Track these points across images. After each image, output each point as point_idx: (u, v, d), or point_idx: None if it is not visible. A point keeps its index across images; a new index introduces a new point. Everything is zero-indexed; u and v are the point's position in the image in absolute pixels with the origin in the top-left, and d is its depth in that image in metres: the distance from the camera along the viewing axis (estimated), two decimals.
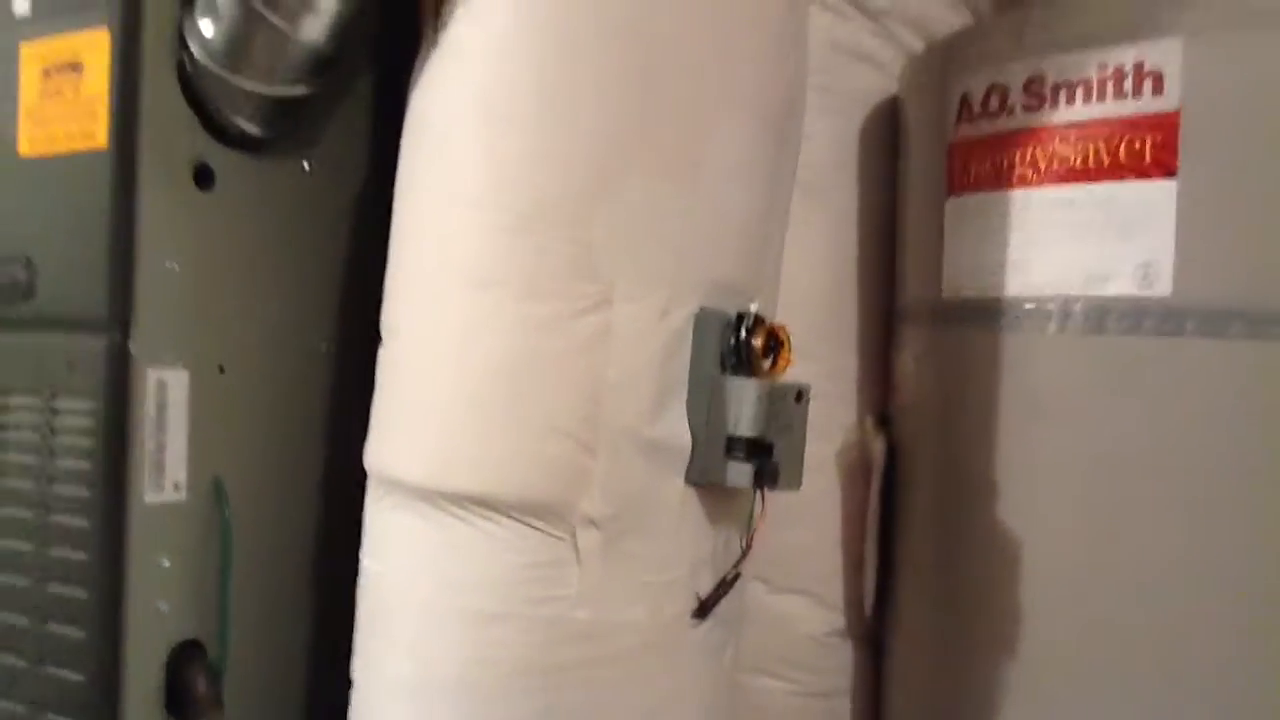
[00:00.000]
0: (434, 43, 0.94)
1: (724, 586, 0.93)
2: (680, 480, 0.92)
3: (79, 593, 0.98)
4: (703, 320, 0.92)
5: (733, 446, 0.90)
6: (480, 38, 0.90)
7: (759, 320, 0.92)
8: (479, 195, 0.89)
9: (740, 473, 0.90)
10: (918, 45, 1.21)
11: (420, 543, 0.91)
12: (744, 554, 0.94)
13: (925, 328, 1.15)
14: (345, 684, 1.04)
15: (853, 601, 1.21)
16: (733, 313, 0.93)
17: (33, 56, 1.03)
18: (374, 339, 1.13)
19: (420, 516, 0.91)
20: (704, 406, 0.91)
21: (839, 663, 1.22)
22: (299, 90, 1.03)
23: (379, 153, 1.17)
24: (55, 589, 1.00)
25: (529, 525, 0.87)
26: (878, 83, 1.21)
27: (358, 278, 1.18)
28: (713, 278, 0.93)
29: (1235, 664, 0.94)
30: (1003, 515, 1.03)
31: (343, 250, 1.17)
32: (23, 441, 1.03)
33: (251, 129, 1.05)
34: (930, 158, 1.13)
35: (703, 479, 0.92)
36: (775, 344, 0.92)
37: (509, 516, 0.88)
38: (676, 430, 0.91)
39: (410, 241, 0.95)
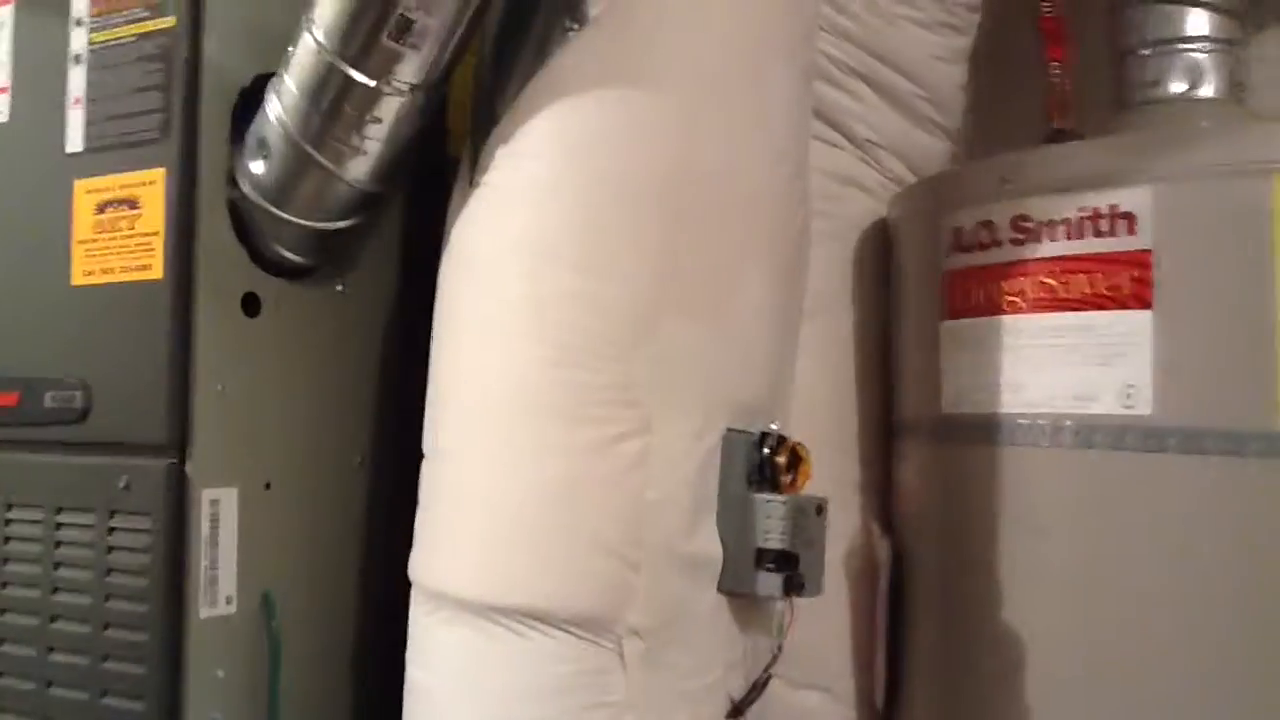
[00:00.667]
0: (476, 183, 1.02)
1: (758, 689, 1.01)
2: (713, 591, 0.99)
3: (137, 705, 1.03)
4: (730, 441, 1.00)
5: (762, 558, 0.98)
6: (523, 184, 0.98)
7: (781, 439, 1.01)
8: (524, 330, 0.97)
9: (770, 583, 0.98)
10: (900, 169, 1.32)
11: (472, 654, 0.98)
12: (775, 658, 1.02)
13: (925, 441, 1.24)
14: None
15: (864, 696, 1.30)
16: (756, 433, 1.02)
17: (87, 191, 1.09)
18: (404, 452, 1.21)
19: (472, 629, 0.97)
20: (733, 521, 0.99)
21: None
22: (342, 224, 1.10)
23: (403, 274, 1.27)
24: (112, 702, 1.04)
25: (578, 636, 0.94)
26: (868, 207, 1.31)
27: (386, 393, 1.25)
28: (738, 401, 1.01)
29: None
30: (1002, 618, 1.11)
31: (372, 367, 1.24)
32: (77, 558, 1.08)
33: (294, 258, 1.12)
34: (925, 284, 1.23)
35: (734, 589, 1.00)
36: (796, 460, 1.01)
37: (559, 629, 0.94)
38: (710, 545, 0.99)
39: (455, 369, 1.02)
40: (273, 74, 1.09)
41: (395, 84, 0.99)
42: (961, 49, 1.34)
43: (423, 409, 1.15)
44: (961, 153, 1.40)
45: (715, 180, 0.99)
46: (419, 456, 1.16)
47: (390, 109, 1.01)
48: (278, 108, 1.02)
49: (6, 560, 1.13)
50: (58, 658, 1.08)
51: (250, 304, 1.09)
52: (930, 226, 1.18)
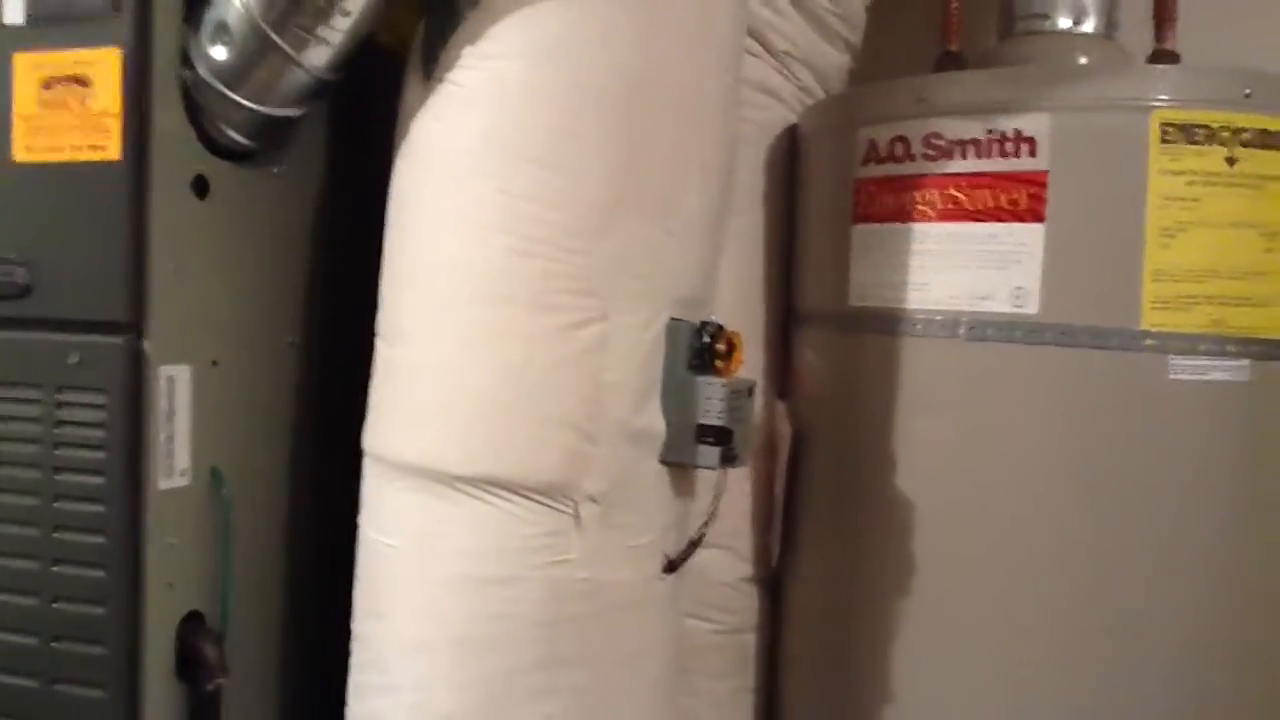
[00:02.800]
0: (439, 80, 1.06)
1: (692, 546, 1.14)
2: (655, 461, 1.10)
3: (95, 573, 1.06)
4: (673, 329, 1.10)
5: (702, 433, 1.09)
6: (492, 84, 1.03)
7: (720, 328, 1.11)
8: (491, 222, 1.03)
9: (709, 455, 1.09)
10: (810, 81, 1.42)
11: (435, 519, 1.05)
12: (711, 519, 1.14)
13: (828, 330, 1.37)
14: (339, 641, 1.17)
15: (759, 554, 1.45)
16: (696, 322, 1.12)
17: (29, 66, 1.07)
18: (338, 333, 1.26)
19: (434, 496, 1.05)
20: (675, 401, 1.10)
21: (749, 605, 1.45)
22: (293, 111, 1.12)
23: (329, 157, 1.30)
24: (66, 570, 1.07)
25: (539, 502, 1.04)
26: (780, 115, 1.41)
27: (316, 275, 1.29)
28: (679, 295, 1.11)
29: (1065, 592, 1.22)
30: (891, 488, 1.27)
31: (303, 249, 1.27)
32: (21, 433, 1.09)
33: (241, 141, 1.13)
34: (835, 190, 1.34)
35: (675, 459, 1.11)
36: (730, 347, 1.12)
37: (521, 495, 1.03)
38: (655, 421, 1.09)
39: (416, 257, 1.07)
40: None
41: None
42: None
43: (351, 292, 1.20)
44: (854, 69, 1.52)
45: (668, 86, 1.07)
46: (349, 337, 1.21)
47: (359, 2, 1.03)
48: None
49: None
50: (6, 530, 1.09)
51: (200, 186, 1.11)
52: (845, 138, 1.29)
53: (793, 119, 1.43)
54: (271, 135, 1.16)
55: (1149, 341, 1.15)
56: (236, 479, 1.17)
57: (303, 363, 1.27)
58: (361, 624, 1.13)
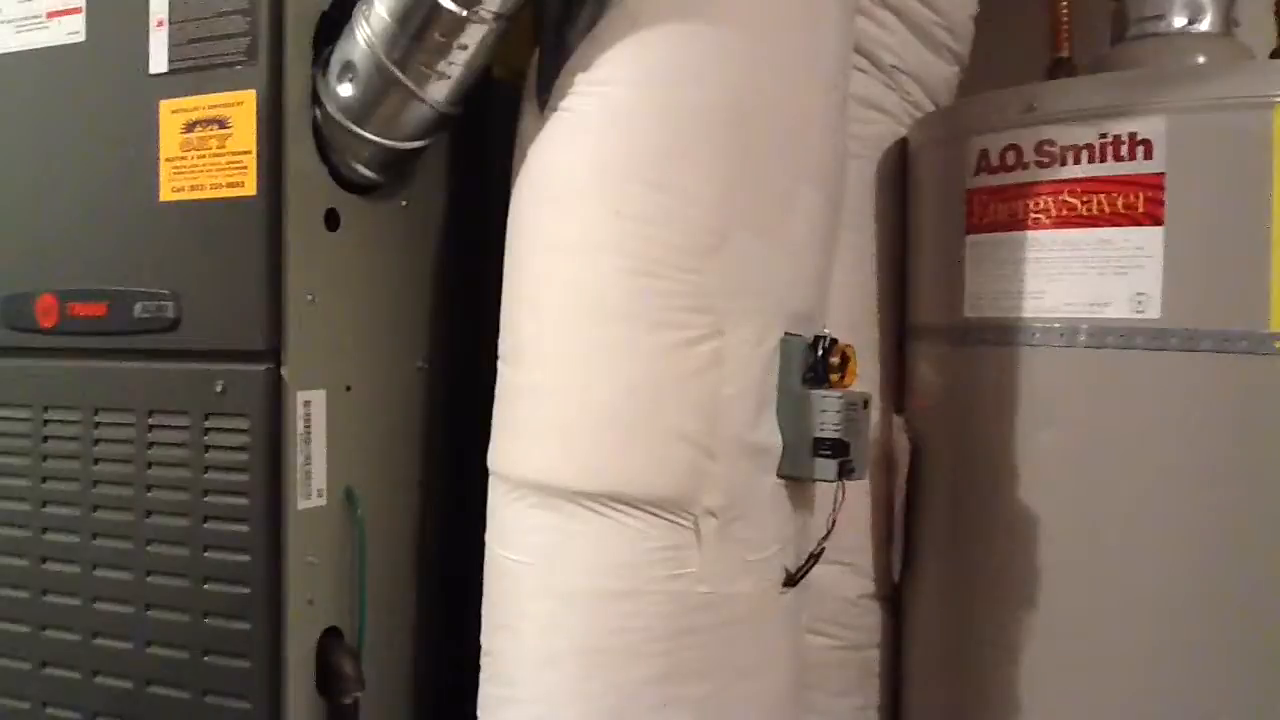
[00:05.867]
0: (553, 108, 1.10)
1: (812, 560, 1.14)
2: (773, 476, 1.11)
3: (240, 589, 1.12)
4: (788, 344, 1.11)
5: (819, 447, 1.10)
6: (604, 109, 1.06)
7: (834, 342, 1.12)
8: (607, 243, 1.06)
9: (826, 468, 1.10)
10: (918, 94, 1.42)
11: (558, 534, 1.08)
12: (828, 533, 1.15)
13: (943, 343, 1.37)
14: (468, 654, 1.21)
15: (880, 570, 1.45)
16: (809, 337, 1.13)
17: (173, 111, 1.14)
18: (462, 356, 1.30)
19: (557, 512, 1.08)
20: (791, 415, 1.11)
21: (869, 621, 1.45)
22: (417, 144, 1.17)
23: (450, 187, 1.34)
24: (214, 587, 1.14)
25: (659, 516, 1.06)
26: (889, 129, 1.42)
27: (442, 301, 1.34)
28: (792, 310, 1.12)
29: (1194, 604, 1.19)
30: (1009, 497, 1.26)
31: (427, 277, 1.32)
32: (169, 458, 1.16)
33: (369, 175, 1.19)
34: (948, 201, 1.34)
35: (792, 474, 1.12)
36: (844, 360, 1.12)
37: (642, 510, 1.06)
38: (771, 435, 1.11)
39: (534, 281, 1.11)
40: None
41: (482, 13, 1.06)
42: None
43: (473, 316, 1.24)
44: (964, 79, 1.51)
45: (776, 108, 1.09)
46: (472, 359, 1.26)
47: (475, 36, 1.08)
48: (367, 32, 1.08)
49: (98, 461, 1.20)
50: (155, 549, 1.16)
51: (331, 219, 1.17)
52: (955, 149, 1.29)
53: (901, 132, 1.43)
54: (396, 168, 1.22)
55: (1279, 344, 1.12)
56: (369, 499, 1.22)
57: (429, 385, 1.31)
58: (489, 638, 1.16)
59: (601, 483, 1.06)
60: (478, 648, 1.19)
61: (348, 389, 1.19)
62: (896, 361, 1.45)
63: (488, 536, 1.18)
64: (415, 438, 1.30)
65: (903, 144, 1.43)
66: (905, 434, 1.38)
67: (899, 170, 1.42)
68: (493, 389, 1.19)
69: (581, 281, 1.07)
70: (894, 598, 1.46)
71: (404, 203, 1.26)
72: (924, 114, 1.42)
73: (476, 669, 1.19)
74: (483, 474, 1.20)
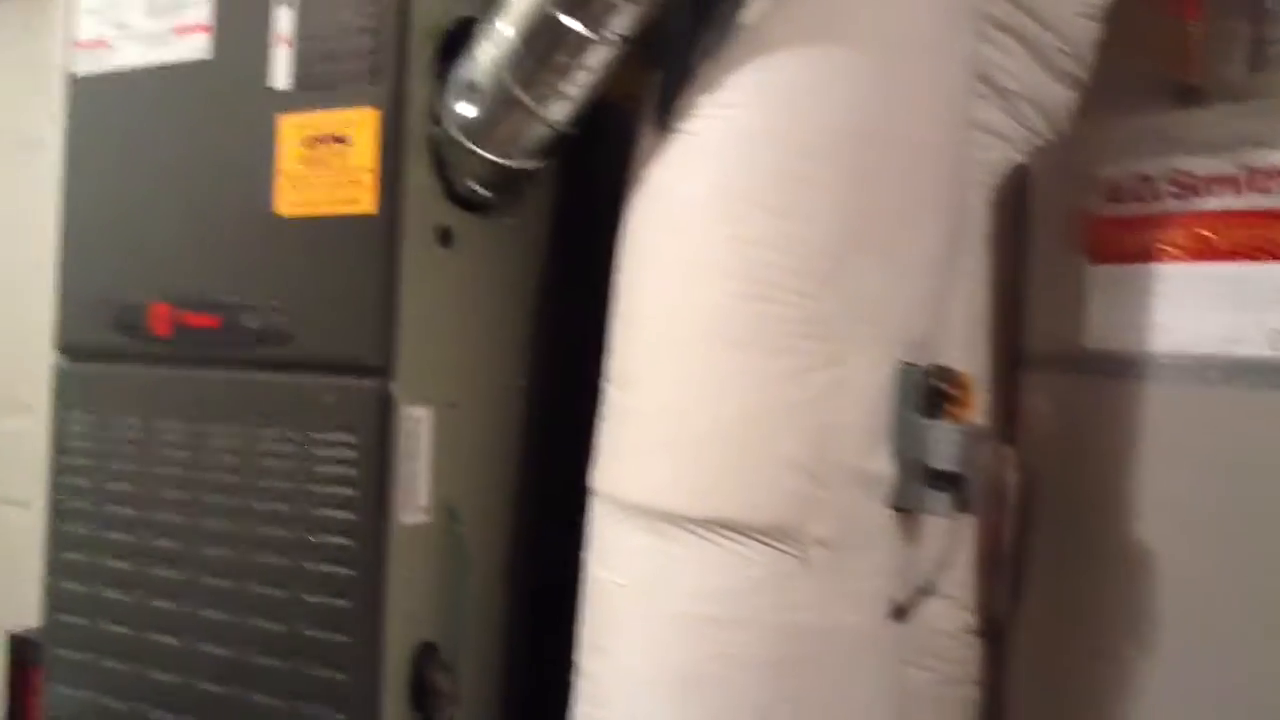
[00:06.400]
0: (674, 129, 1.09)
1: (922, 593, 1.11)
2: (885, 506, 1.09)
3: (340, 602, 1.13)
4: (904, 373, 1.08)
5: (934, 479, 1.08)
6: (728, 132, 1.05)
7: (951, 372, 1.09)
8: (725, 268, 1.04)
9: (940, 501, 1.08)
10: (1036, 120, 1.39)
11: (663, 558, 1.07)
12: (942, 566, 1.12)
13: (1060, 374, 1.34)
14: (560, 673, 1.19)
15: (982, 604, 1.40)
16: (927, 365, 1.10)
17: (293, 126, 1.16)
18: (562, 376, 1.30)
19: (664, 536, 1.06)
20: (906, 445, 1.08)
21: (969, 655, 1.41)
22: (532, 164, 1.17)
23: (557, 207, 1.34)
24: (315, 599, 1.14)
25: (767, 544, 1.04)
26: (1005, 154, 1.39)
27: (544, 321, 1.34)
28: (909, 338, 1.10)
29: None
30: (1126, 535, 1.22)
31: (530, 296, 1.32)
32: (276, 469, 1.17)
33: (483, 194, 1.19)
34: (1071, 229, 1.31)
35: (904, 505, 1.09)
36: (962, 391, 1.10)
37: (751, 537, 1.04)
38: (884, 465, 1.08)
39: (648, 303, 1.10)
40: (472, 18, 1.16)
41: (608, 35, 1.05)
42: (1103, 5, 1.40)
43: (573, 336, 1.24)
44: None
45: (899, 132, 1.07)
46: (573, 380, 1.25)
47: (599, 58, 1.08)
48: (491, 52, 1.09)
49: (202, 469, 1.21)
50: (257, 558, 1.17)
51: (444, 236, 1.17)
52: (1080, 177, 1.26)
53: (1017, 158, 1.40)
54: (509, 187, 1.22)
55: None
56: (468, 516, 1.22)
57: (530, 405, 1.31)
58: (586, 659, 1.15)
59: (709, 508, 1.05)
60: (569, 667, 1.18)
61: (452, 406, 1.19)
62: (1006, 389, 1.41)
63: (588, 557, 1.16)
64: (515, 457, 1.30)
65: (1019, 169, 1.40)
66: (1015, 466, 1.34)
67: (1015, 196, 1.39)
68: (590, 409, 1.18)
69: (696, 305, 1.06)
70: (995, 632, 1.42)
71: (512, 221, 1.26)
72: (1040, 139, 1.39)
73: (567, 688, 1.17)
74: (577, 493, 1.20)
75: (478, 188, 1.18)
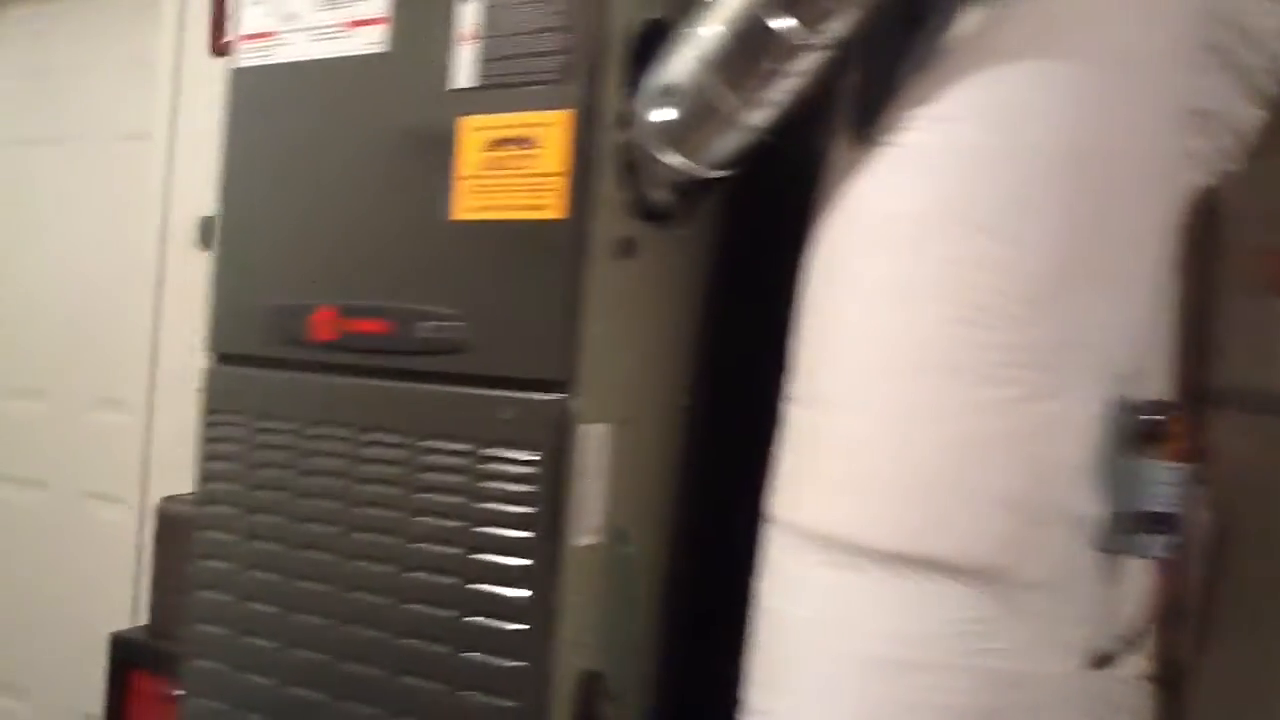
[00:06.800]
0: (881, 142, 1.04)
1: (1130, 641, 1.06)
2: (1093, 549, 1.03)
3: (510, 625, 1.08)
4: (1119, 407, 1.03)
5: (1146, 521, 1.02)
6: (944, 147, 1.00)
7: (1166, 407, 1.04)
8: (935, 290, 0.99)
9: (1152, 544, 1.02)
10: (1230, 142, 1.33)
11: (854, 594, 1.01)
12: (1150, 613, 1.06)
13: (1255, 412, 1.27)
14: (721, 704, 1.14)
15: (1161, 650, 1.34)
16: (1140, 400, 1.04)
17: (475, 128, 1.11)
18: (728, 393, 1.25)
19: (858, 571, 1.01)
20: (1117, 484, 1.03)
21: (1145, 703, 1.35)
22: (722, 173, 1.12)
23: (724, 219, 1.29)
24: (481, 621, 1.09)
25: (974, 586, 0.98)
26: (1195, 178, 1.33)
27: (710, 337, 1.28)
28: (1123, 370, 1.04)
29: None
30: None
31: (696, 311, 1.27)
32: (441, 484, 1.12)
33: (663, 203, 1.14)
34: (1258, 266, 1.24)
35: (1113, 548, 1.03)
36: (1176, 428, 1.04)
37: (957, 578, 0.98)
38: (1094, 505, 1.02)
39: (847, 324, 1.05)
40: (661, 20, 1.12)
41: (821, 40, 1.00)
42: None
43: (745, 352, 1.19)
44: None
45: (1120, 156, 1.01)
46: (737, 398, 1.20)
47: (808, 64, 1.02)
48: (693, 54, 1.04)
49: (363, 481, 1.17)
50: (418, 577, 1.13)
51: (627, 247, 1.12)
52: (1270, 214, 1.20)
53: (1208, 182, 1.34)
54: (691, 197, 1.17)
55: None
56: (635, 537, 1.17)
57: (692, 422, 1.26)
58: (758, 696, 1.09)
59: (911, 544, 0.99)
60: (729, 697, 1.12)
61: (625, 423, 1.14)
62: (1192, 428, 1.35)
63: (762, 586, 1.11)
64: (678, 477, 1.25)
65: (1208, 194, 1.34)
66: (1207, 507, 1.28)
67: (1204, 222, 1.33)
68: (757, 429, 1.13)
69: (902, 329, 1.00)
70: (1174, 681, 1.35)
71: (685, 233, 1.21)
72: (1230, 163, 1.33)
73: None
74: (743, 516, 1.15)
75: (660, 197, 1.13)
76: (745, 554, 1.14)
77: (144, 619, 2.15)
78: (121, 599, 2.27)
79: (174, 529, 1.84)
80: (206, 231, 2.17)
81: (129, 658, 1.88)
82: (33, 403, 2.54)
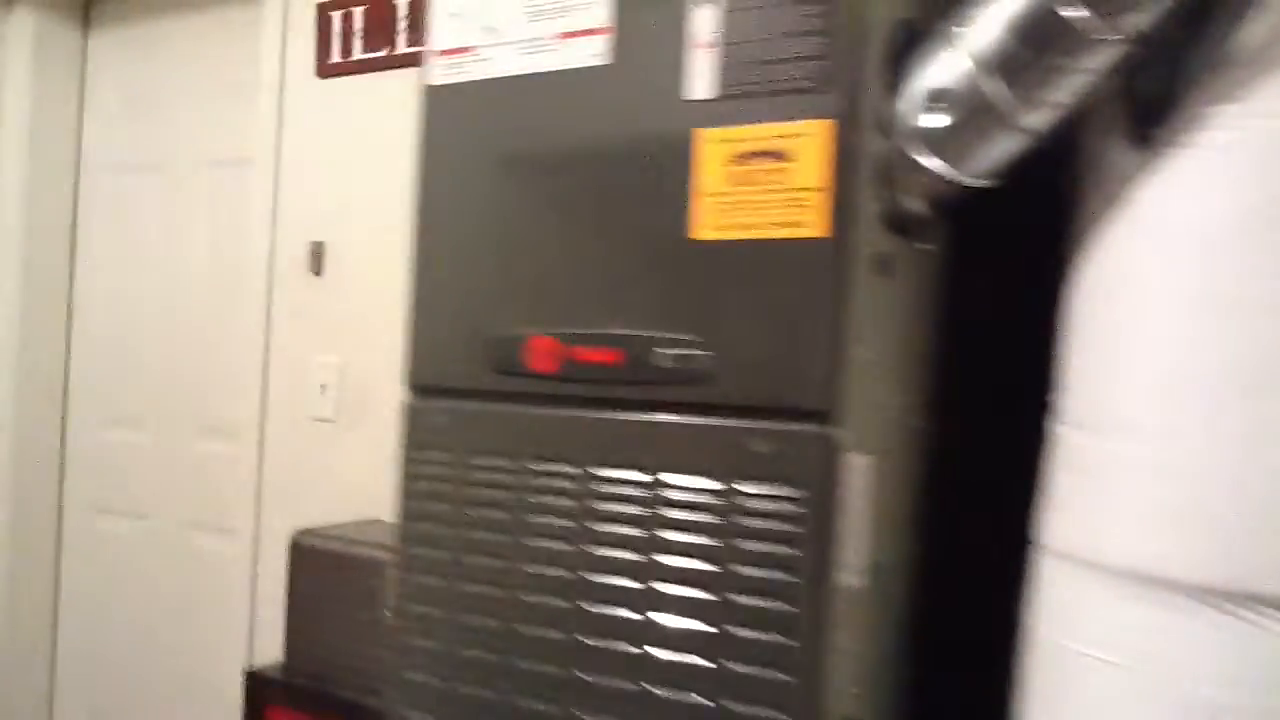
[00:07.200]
0: (1167, 143, 0.96)
1: None
2: None
3: (771, 673, 1.00)
4: None
5: None
6: (1265, 147, 0.91)
7: None
8: (1259, 301, 0.90)
9: None
10: None
11: (1175, 634, 0.93)
12: None
13: None
14: None
15: None
16: None
17: (719, 141, 1.03)
18: (950, 414, 1.17)
19: (1175, 610, 0.92)
20: None
21: None
22: (989, 182, 1.04)
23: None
24: (740, 668, 1.01)
25: None
26: None
27: (950, 354, 1.21)
28: None
29: None
30: None
31: (940, 328, 1.20)
32: (690, 524, 1.04)
33: (920, 215, 1.06)
34: None
35: None
36: None
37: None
38: None
39: (1146, 342, 0.96)
40: (913, 20, 1.04)
41: (1118, 34, 0.92)
42: None
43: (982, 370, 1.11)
44: None
45: None
46: (980, 419, 1.12)
47: (1100, 60, 0.94)
48: (969, 56, 0.96)
49: (594, 519, 1.09)
50: (662, 621, 1.05)
51: (884, 264, 1.05)
52: None
53: None
54: (948, 209, 1.09)
55: None
56: (890, 574, 1.09)
57: (933, 447, 1.18)
58: None
59: (1243, 581, 0.90)
60: None
61: (885, 453, 1.07)
62: None
63: (1040, 622, 1.03)
64: (919, 503, 1.17)
65: None
66: None
67: None
68: (1006, 452, 1.06)
69: (1223, 346, 0.92)
70: None
71: (930, 246, 1.14)
72: None
73: None
74: (996, 545, 1.07)
75: (916, 209, 1.06)
76: (998, 582, 1.07)
77: (260, 652, 2.11)
78: (238, 632, 2.20)
79: (311, 562, 1.78)
80: (317, 256, 2.13)
81: (266, 694, 1.82)
82: (134, 432, 2.48)
